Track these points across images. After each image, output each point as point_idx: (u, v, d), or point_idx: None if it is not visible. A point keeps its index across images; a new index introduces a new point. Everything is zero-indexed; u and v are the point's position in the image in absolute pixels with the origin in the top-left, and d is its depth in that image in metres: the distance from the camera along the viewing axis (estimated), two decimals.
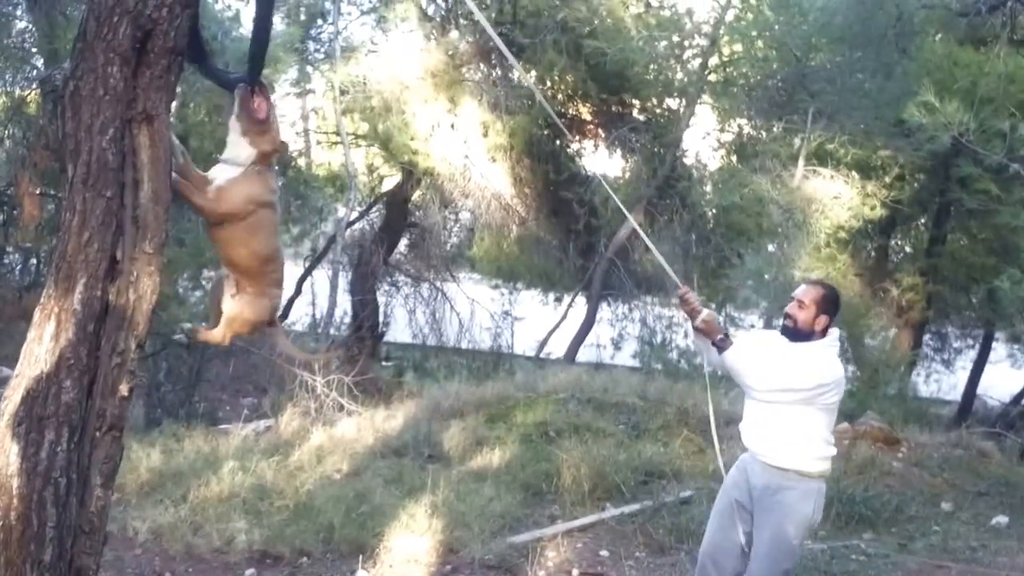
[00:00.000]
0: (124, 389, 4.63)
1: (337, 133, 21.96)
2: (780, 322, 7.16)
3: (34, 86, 17.25)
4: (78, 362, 4.48)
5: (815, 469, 6.76)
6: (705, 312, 6.90)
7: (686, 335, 21.97)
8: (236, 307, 5.75)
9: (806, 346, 6.80)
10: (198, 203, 5.38)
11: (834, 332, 6.95)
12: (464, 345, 25.12)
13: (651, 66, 22.08)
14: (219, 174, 5.45)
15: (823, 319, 6.84)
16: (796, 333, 6.85)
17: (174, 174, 5.16)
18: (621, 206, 9.21)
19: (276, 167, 5.75)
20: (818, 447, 6.74)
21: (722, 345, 6.83)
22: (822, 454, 6.78)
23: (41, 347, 4.45)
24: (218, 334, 5.89)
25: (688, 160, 23.72)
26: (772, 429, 6.80)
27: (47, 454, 4.44)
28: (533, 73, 22.44)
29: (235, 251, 5.60)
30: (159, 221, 4.64)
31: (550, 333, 24.90)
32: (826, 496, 10.84)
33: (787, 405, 6.72)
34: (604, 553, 10.02)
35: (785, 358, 6.77)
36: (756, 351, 6.89)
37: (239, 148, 5.48)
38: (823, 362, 6.76)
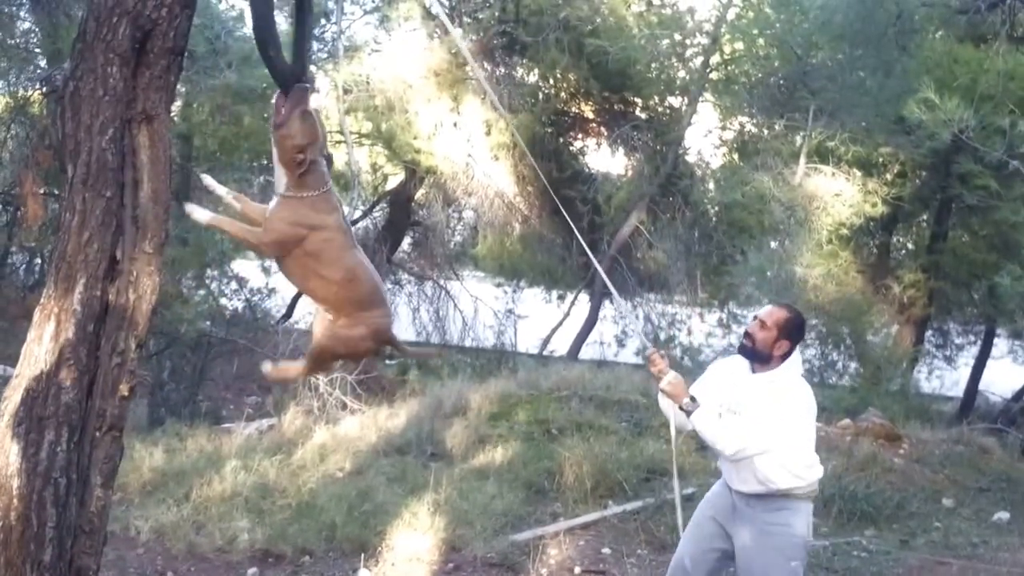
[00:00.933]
0: (124, 389, 4.63)
1: (340, 132, 21.91)
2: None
3: (37, 86, 17.28)
4: (78, 362, 4.48)
5: (803, 492, 6.56)
6: (671, 374, 6.63)
7: (689, 333, 21.98)
8: (323, 340, 5.45)
9: (767, 378, 6.56)
10: (243, 237, 5.28)
11: (792, 360, 6.67)
12: (467, 343, 25.12)
13: (653, 64, 22.11)
14: (272, 205, 5.25)
15: (783, 344, 6.58)
16: (753, 354, 6.65)
17: (206, 214, 5.17)
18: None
19: (330, 185, 5.34)
20: (800, 472, 6.48)
21: (689, 408, 6.54)
22: (806, 478, 6.52)
23: (41, 347, 4.46)
24: (299, 368, 5.72)
25: (690, 158, 23.73)
26: (750, 469, 6.55)
27: (47, 454, 4.44)
28: (536, 70, 22.48)
29: (304, 281, 5.39)
30: (159, 221, 4.63)
31: (553, 331, 24.90)
32: (828, 493, 10.95)
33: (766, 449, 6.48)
34: (606, 551, 10.04)
35: (753, 408, 6.48)
36: (719, 402, 6.63)
37: (277, 168, 5.22)
38: (788, 398, 6.47)
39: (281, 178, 5.20)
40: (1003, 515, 12.04)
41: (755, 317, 6.74)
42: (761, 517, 6.56)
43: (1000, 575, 9.73)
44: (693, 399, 6.54)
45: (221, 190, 5.34)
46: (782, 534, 6.51)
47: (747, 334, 6.69)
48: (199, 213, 5.30)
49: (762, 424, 6.37)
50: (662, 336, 22.51)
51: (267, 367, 5.62)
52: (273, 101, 5.19)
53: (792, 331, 6.61)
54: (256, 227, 5.26)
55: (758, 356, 6.60)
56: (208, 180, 5.41)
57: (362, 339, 5.45)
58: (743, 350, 6.72)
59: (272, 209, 5.21)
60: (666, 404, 6.84)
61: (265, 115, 21.13)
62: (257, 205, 5.39)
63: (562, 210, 7.51)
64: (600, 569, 9.61)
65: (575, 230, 7.51)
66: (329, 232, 5.27)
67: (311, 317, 5.56)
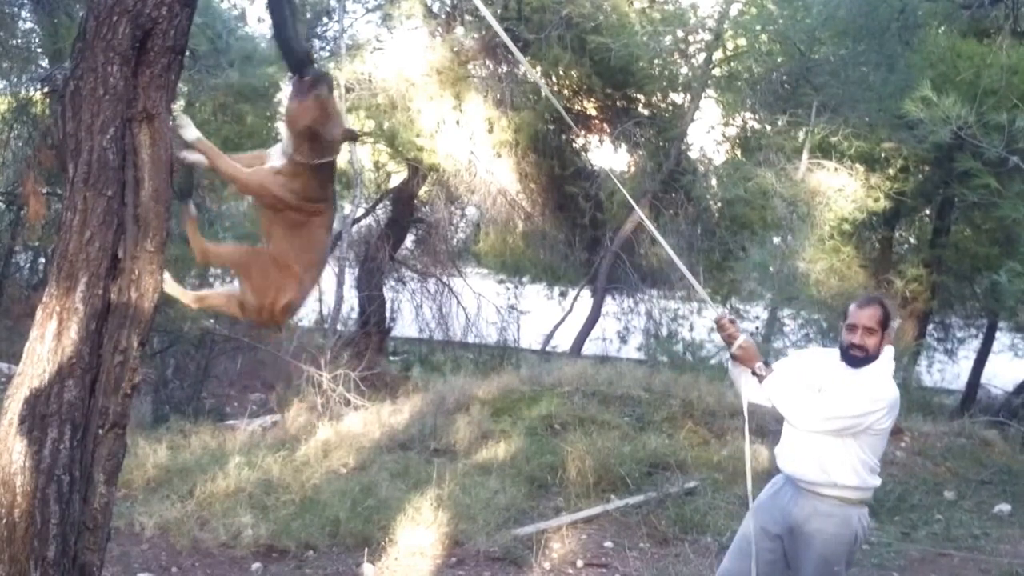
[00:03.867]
0: (127, 387, 4.64)
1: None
2: (838, 348, 6.57)
3: (38, 86, 17.31)
4: (80, 360, 4.50)
5: (857, 496, 6.37)
6: (742, 338, 6.41)
7: (691, 328, 22.02)
8: (248, 296, 5.54)
9: (864, 373, 6.36)
10: (226, 170, 5.32)
11: (888, 351, 6.47)
12: (470, 339, 25.15)
13: (655, 61, 22.12)
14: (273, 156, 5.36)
15: (887, 335, 6.41)
16: (867, 361, 6.39)
17: (195, 132, 5.21)
18: (637, 208, 9.20)
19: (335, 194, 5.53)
20: (863, 474, 6.33)
21: (762, 373, 6.35)
22: (867, 482, 6.37)
23: (43, 346, 4.48)
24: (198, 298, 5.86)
25: (693, 154, 23.80)
26: (815, 455, 6.37)
27: (50, 452, 4.46)
28: (539, 68, 22.51)
29: (276, 246, 5.45)
30: (160, 219, 4.65)
31: (556, 327, 24.94)
32: None
33: (833, 434, 6.31)
34: (609, 544, 10.08)
35: (837, 389, 6.34)
36: (801, 381, 6.43)
37: (284, 138, 5.33)
38: (879, 390, 6.29)
39: (287, 144, 5.29)
40: (1004, 507, 12.06)
41: (851, 326, 6.43)
42: (812, 523, 6.41)
43: (1002, 567, 9.75)
44: (766, 363, 6.41)
45: (192, 134, 5.28)
46: (830, 541, 6.38)
47: (855, 346, 6.40)
48: (189, 131, 5.25)
49: (843, 405, 6.23)
50: (664, 332, 22.54)
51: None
52: (290, 83, 5.28)
53: (890, 320, 6.48)
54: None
55: (870, 360, 6.39)
56: (183, 119, 5.31)
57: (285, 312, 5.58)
58: (855, 361, 6.41)
59: (283, 166, 5.28)
60: (736, 372, 6.66)
61: (268, 113, 21.23)
62: (243, 155, 5.43)
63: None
64: (602, 563, 9.64)
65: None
66: (317, 215, 5.45)
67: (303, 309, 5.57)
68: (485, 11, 6.56)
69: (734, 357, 6.50)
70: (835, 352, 6.57)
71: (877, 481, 6.45)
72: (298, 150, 5.24)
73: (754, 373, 6.38)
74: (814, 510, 6.41)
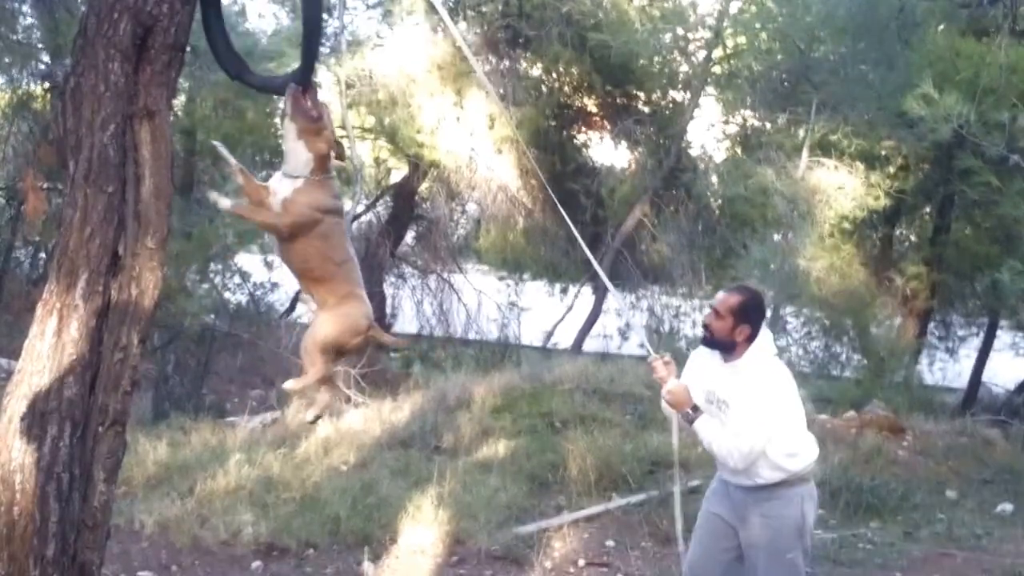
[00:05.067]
0: (127, 384, 4.64)
1: (343, 127, 21.91)
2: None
3: (38, 82, 17.31)
4: (80, 357, 4.50)
5: (794, 474, 6.38)
6: (672, 383, 6.52)
7: (693, 325, 22.01)
8: (316, 323, 5.53)
9: (733, 369, 6.41)
10: (264, 222, 5.37)
11: (760, 342, 6.48)
12: (471, 336, 25.12)
13: (655, 58, 22.14)
14: (280, 186, 5.35)
15: (743, 329, 6.39)
16: (716, 344, 6.53)
17: (228, 202, 5.30)
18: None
19: (335, 173, 5.59)
20: (782, 463, 6.32)
21: (691, 419, 6.42)
22: (790, 467, 6.36)
23: (43, 343, 4.47)
24: (317, 369, 5.54)
25: (693, 151, 23.79)
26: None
27: (50, 449, 4.46)
28: (539, 65, 22.51)
29: (309, 262, 5.47)
30: (161, 216, 4.65)
31: (557, 324, 24.92)
32: (834, 485, 10.95)
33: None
34: (610, 543, 10.07)
35: (731, 403, 6.34)
36: (694, 385, 6.54)
37: (297, 154, 5.36)
38: (757, 388, 6.30)
39: (300, 163, 5.35)
40: (1007, 507, 12.05)
41: (711, 307, 6.58)
42: (756, 509, 6.44)
43: (1004, 567, 9.73)
44: (695, 407, 6.42)
45: (231, 159, 5.36)
46: (775, 527, 6.38)
47: (704, 325, 6.60)
48: (222, 201, 5.44)
49: (749, 424, 6.23)
50: (666, 329, 22.51)
51: (290, 384, 5.61)
52: (290, 95, 5.29)
53: (750, 313, 6.44)
54: (260, 206, 5.37)
55: (721, 346, 6.48)
56: (221, 148, 5.43)
57: (364, 316, 5.58)
58: (705, 342, 6.62)
59: (289, 192, 5.32)
60: (668, 411, 6.78)
61: (268, 109, 21.20)
62: (258, 183, 5.44)
63: (560, 210, 7.36)
64: (604, 562, 9.63)
65: (569, 222, 7.41)
66: (339, 215, 5.53)
67: (311, 314, 5.53)
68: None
69: (665, 400, 6.63)
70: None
71: (805, 460, 6.46)
72: (320, 167, 5.37)
73: (684, 417, 6.49)
74: (756, 497, 6.45)
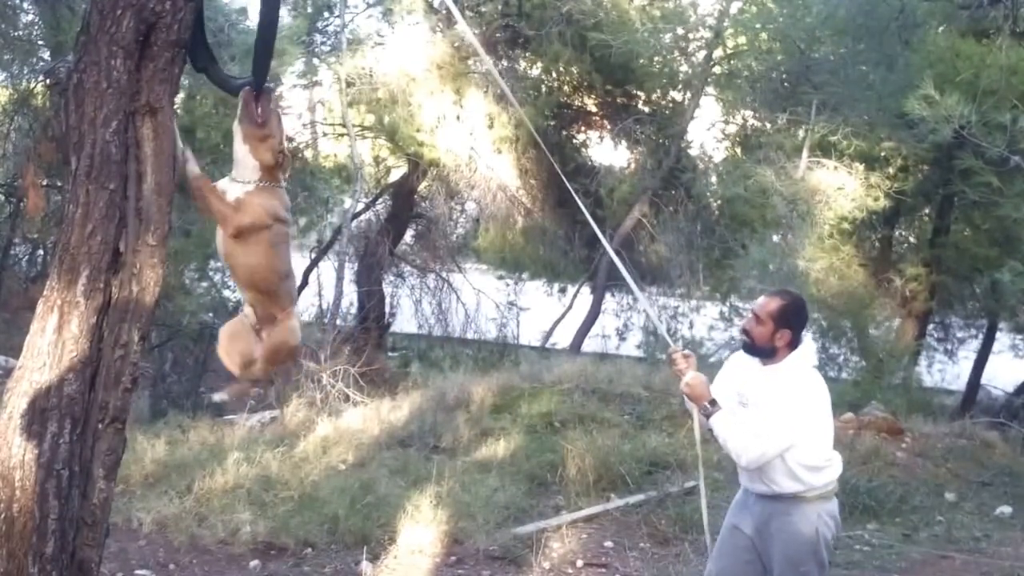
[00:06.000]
0: (127, 381, 4.63)
1: (343, 125, 21.97)
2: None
3: (40, 78, 17.30)
4: (81, 354, 4.49)
5: (813, 495, 6.29)
6: (691, 375, 6.38)
7: (691, 326, 22.00)
8: (275, 338, 5.51)
9: (771, 372, 6.31)
10: (219, 208, 5.24)
11: (802, 350, 6.41)
12: (470, 335, 25.16)
13: (656, 58, 22.18)
14: (230, 188, 5.28)
15: (784, 334, 6.27)
16: (756, 350, 6.41)
17: (197, 168, 5.20)
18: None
19: (285, 184, 5.51)
20: (804, 476, 6.23)
21: (707, 412, 6.30)
22: (812, 482, 6.27)
23: (44, 339, 4.46)
24: (257, 373, 5.67)
25: (693, 151, 23.86)
26: (754, 468, 6.33)
27: (50, 446, 4.45)
28: (539, 64, 22.53)
29: (255, 269, 5.41)
30: (162, 213, 4.64)
31: (555, 324, 24.97)
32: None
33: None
34: (608, 544, 10.06)
35: (758, 404, 6.27)
36: (728, 387, 6.49)
37: (244, 160, 5.30)
38: (791, 395, 6.20)
39: (247, 170, 5.32)
40: (1005, 509, 12.04)
41: (751, 311, 6.47)
42: (772, 523, 6.36)
43: (1003, 570, 9.73)
44: (713, 402, 6.31)
45: (194, 167, 5.27)
46: (788, 542, 6.31)
47: (744, 331, 6.47)
48: (192, 164, 5.28)
49: (770, 426, 6.14)
50: (663, 330, 22.58)
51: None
52: (242, 98, 5.23)
53: (791, 318, 6.32)
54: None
55: (761, 352, 6.35)
56: (187, 153, 5.32)
57: (297, 330, 5.65)
58: (746, 348, 6.48)
59: (241, 195, 5.28)
60: (690, 404, 6.60)
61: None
62: (212, 184, 5.38)
63: (574, 195, 7.30)
64: (602, 562, 9.62)
65: (581, 206, 7.35)
66: (287, 226, 5.48)
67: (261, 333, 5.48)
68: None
69: (683, 392, 6.50)
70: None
71: (827, 476, 6.35)
72: (267, 175, 5.33)
73: (700, 411, 6.37)
74: (773, 510, 6.37)
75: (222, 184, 5.33)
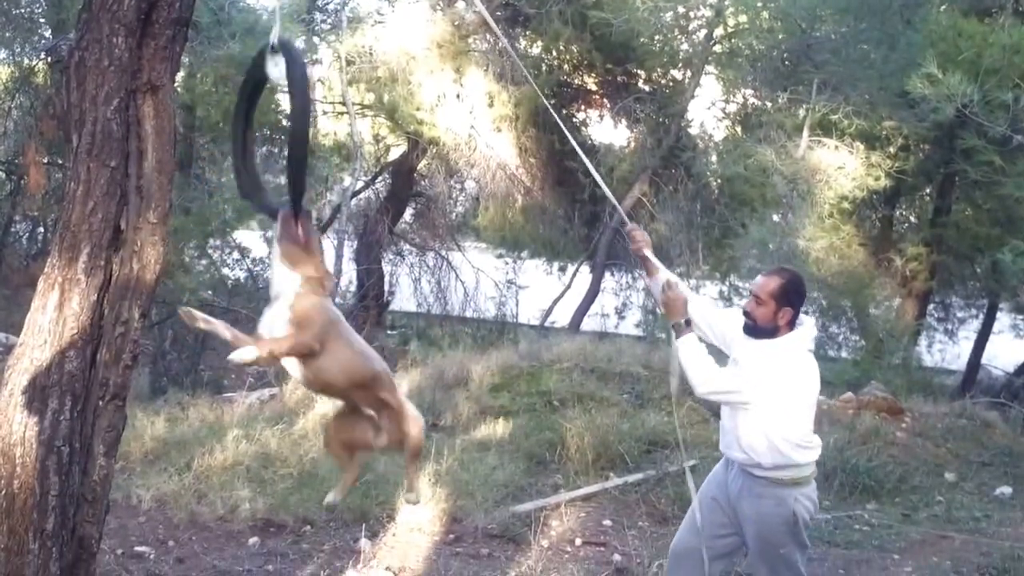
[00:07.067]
0: (128, 358, 4.64)
1: (343, 103, 21.95)
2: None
3: (41, 56, 17.29)
4: (82, 331, 4.50)
5: (788, 476, 6.28)
6: (677, 287, 6.44)
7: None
8: (408, 431, 5.32)
9: (766, 346, 6.31)
10: (287, 348, 4.97)
11: (802, 328, 6.43)
12: (469, 314, 25.15)
13: (656, 37, 22.13)
14: (271, 315, 5.08)
15: (786, 312, 6.28)
16: (759, 331, 6.34)
17: (253, 350, 4.90)
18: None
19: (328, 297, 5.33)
20: (785, 450, 6.22)
21: (678, 330, 6.33)
22: (791, 459, 6.26)
23: (45, 316, 4.47)
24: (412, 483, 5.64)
25: (693, 130, 23.82)
26: (734, 432, 6.37)
27: (50, 423, 4.46)
28: (539, 43, 22.50)
29: (349, 366, 5.20)
30: (163, 191, 4.64)
31: (555, 302, 24.93)
32: (830, 466, 10.94)
33: (746, 409, 6.29)
34: (607, 522, 10.06)
35: (740, 358, 6.36)
36: (721, 325, 6.56)
37: (283, 277, 5.10)
38: (784, 366, 6.23)
39: (288, 284, 5.11)
40: (1005, 489, 12.05)
41: (751, 293, 6.44)
42: (748, 503, 6.38)
43: (1003, 550, 9.73)
44: (688, 323, 6.34)
45: (213, 321, 5.08)
46: (764, 523, 6.34)
47: (746, 312, 6.42)
48: (245, 354, 4.96)
49: (746, 377, 6.20)
50: (660, 312, 22.58)
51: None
52: (281, 218, 5.10)
53: (791, 296, 6.31)
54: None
55: (764, 332, 6.31)
56: (196, 314, 5.03)
57: (417, 413, 5.45)
58: (747, 330, 6.41)
59: (291, 315, 5.03)
60: (657, 295, 6.64)
61: (268, 86, 21.16)
62: (245, 335, 5.14)
63: (584, 160, 7.27)
64: (601, 540, 9.62)
65: (594, 173, 7.30)
66: (342, 321, 5.32)
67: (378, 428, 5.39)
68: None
69: (663, 303, 6.53)
70: None
71: (807, 456, 6.36)
72: (310, 289, 5.13)
73: (672, 326, 6.42)
74: (748, 490, 6.40)
75: (263, 323, 5.10)
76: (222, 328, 5.04)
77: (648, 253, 6.64)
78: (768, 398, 6.17)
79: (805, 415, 6.33)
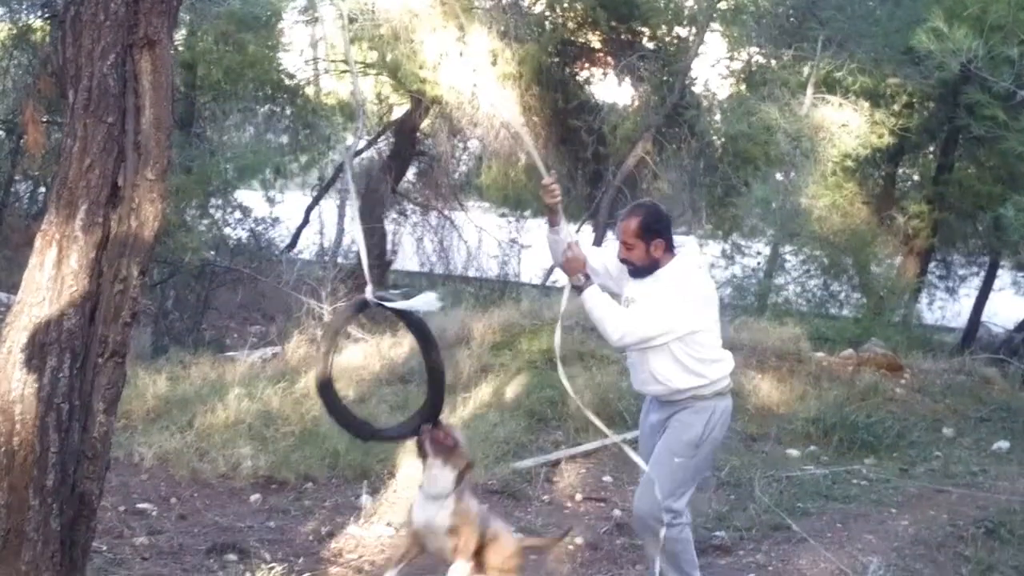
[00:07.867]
0: (127, 315, 4.64)
1: (346, 62, 21.91)
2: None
3: (39, 13, 17.23)
4: (80, 289, 4.50)
5: (707, 391, 6.40)
6: (576, 247, 6.56)
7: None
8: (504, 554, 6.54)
9: (654, 281, 6.40)
10: (467, 543, 6.26)
11: (683, 249, 6.69)
12: (471, 273, 25.14)
13: None
14: (422, 511, 6.34)
15: (657, 244, 6.35)
16: (643, 271, 6.43)
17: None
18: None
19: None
20: (699, 369, 6.35)
21: (580, 285, 6.42)
22: (707, 374, 6.39)
23: (43, 274, 4.47)
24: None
25: (697, 88, 23.72)
26: (647, 369, 6.48)
27: (49, 380, 4.47)
28: (542, 0, 22.45)
29: (499, 548, 6.47)
30: (161, 147, 4.63)
31: None
32: (830, 422, 10.97)
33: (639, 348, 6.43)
34: (607, 479, 10.11)
35: (635, 296, 6.45)
36: (607, 265, 6.65)
37: (442, 478, 6.27)
38: (677, 288, 6.30)
39: (444, 483, 6.30)
40: (1003, 444, 12.08)
41: (619, 241, 6.52)
42: (671, 419, 6.50)
43: (999, 504, 9.76)
44: (588, 276, 6.43)
45: None
46: (674, 427, 6.45)
47: (623, 261, 6.51)
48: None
49: (649, 312, 6.27)
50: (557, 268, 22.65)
51: None
52: (424, 431, 6.42)
53: (654, 227, 6.40)
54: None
55: (647, 270, 6.42)
56: None
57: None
58: (633, 274, 6.51)
59: (450, 522, 6.27)
60: (558, 254, 6.71)
61: (269, 43, 21.13)
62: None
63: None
64: (601, 496, 9.67)
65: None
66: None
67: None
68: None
69: (561, 265, 6.71)
70: None
71: (721, 370, 6.51)
72: (459, 480, 6.35)
73: (573, 285, 6.51)
74: (672, 411, 6.52)
75: (419, 519, 6.39)
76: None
77: (559, 209, 6.75)
78: (678, 326, 6.26)
79: (712, 331, 6.46)
